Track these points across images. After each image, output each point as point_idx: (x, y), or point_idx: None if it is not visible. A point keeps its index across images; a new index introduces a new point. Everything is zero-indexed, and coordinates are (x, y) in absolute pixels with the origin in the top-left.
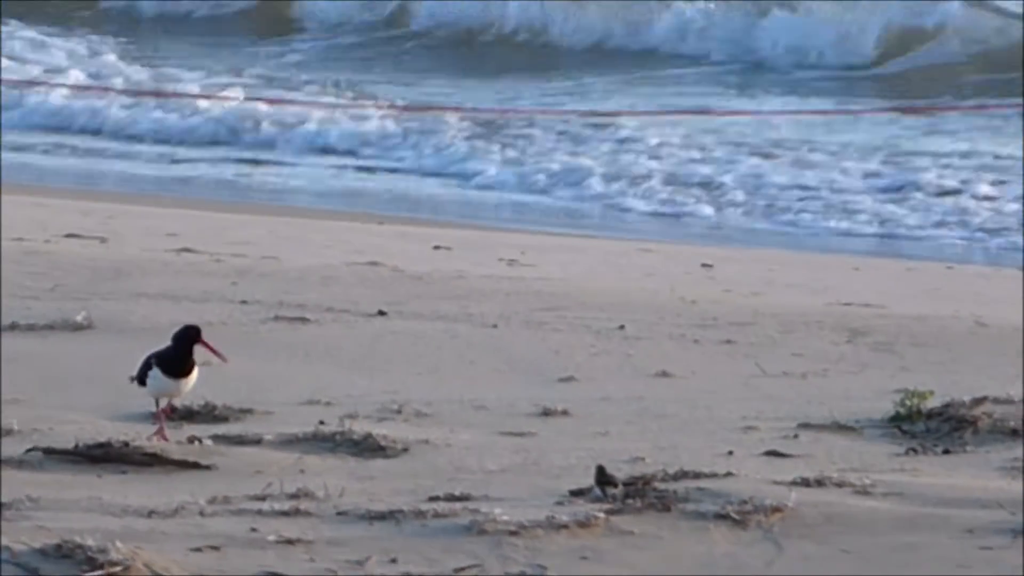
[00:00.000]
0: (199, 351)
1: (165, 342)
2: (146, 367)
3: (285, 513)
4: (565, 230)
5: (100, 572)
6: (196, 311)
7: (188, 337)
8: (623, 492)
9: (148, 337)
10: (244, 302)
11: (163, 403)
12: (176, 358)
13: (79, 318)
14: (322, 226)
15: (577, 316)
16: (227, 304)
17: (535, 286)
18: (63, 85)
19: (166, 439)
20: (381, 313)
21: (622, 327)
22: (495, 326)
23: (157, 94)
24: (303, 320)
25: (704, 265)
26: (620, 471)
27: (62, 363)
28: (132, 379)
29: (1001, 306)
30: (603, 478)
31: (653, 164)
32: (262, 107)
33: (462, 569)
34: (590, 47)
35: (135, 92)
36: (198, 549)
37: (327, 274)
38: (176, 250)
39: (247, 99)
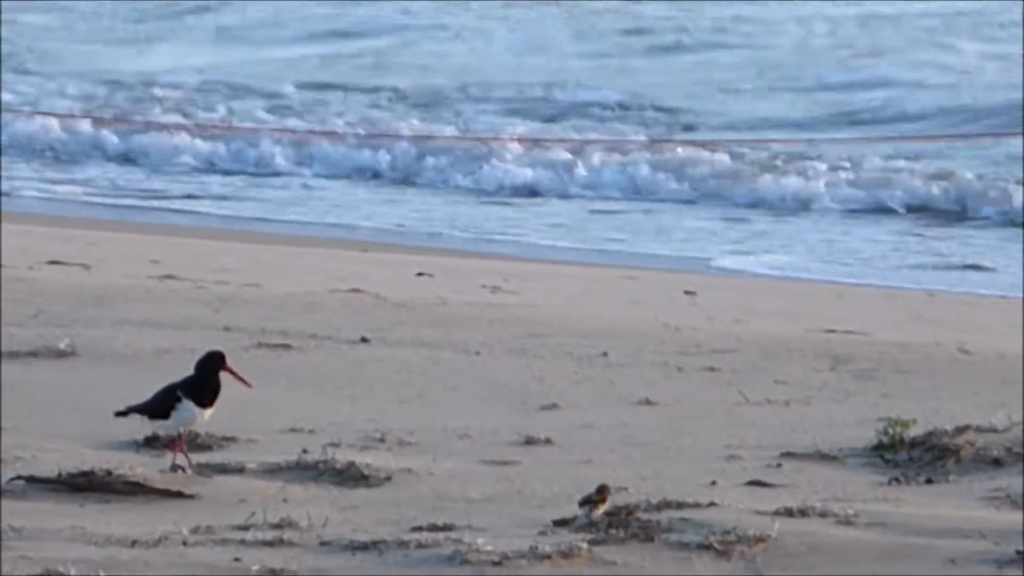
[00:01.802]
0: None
1: (149, 369)
2: (172, 399)
3: (268, 543)
4: (547, 256)
5: None
6: (179, 338)
7: (213, 364)
8: (606, 521)
9: (131, 364)
10: (227, 329)
11: (178, 431)
12: (206, 387)
13: (62, 345)
14: (304, 253)
15: (560, 343)
16: (210, 331)
17: (518, 313)
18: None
19: (184, 469)
20: (364, 340)
21: (605, 354)
22: (478, 353)
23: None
24: (286, 347)
25: (687, 292)
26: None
27: (45, 390)
28: (128, 412)
29: (984, 333)
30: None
31: None
32: None
33: None
34: None
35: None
36: None
37: (309, 301)
38: (159, 277)
39: None
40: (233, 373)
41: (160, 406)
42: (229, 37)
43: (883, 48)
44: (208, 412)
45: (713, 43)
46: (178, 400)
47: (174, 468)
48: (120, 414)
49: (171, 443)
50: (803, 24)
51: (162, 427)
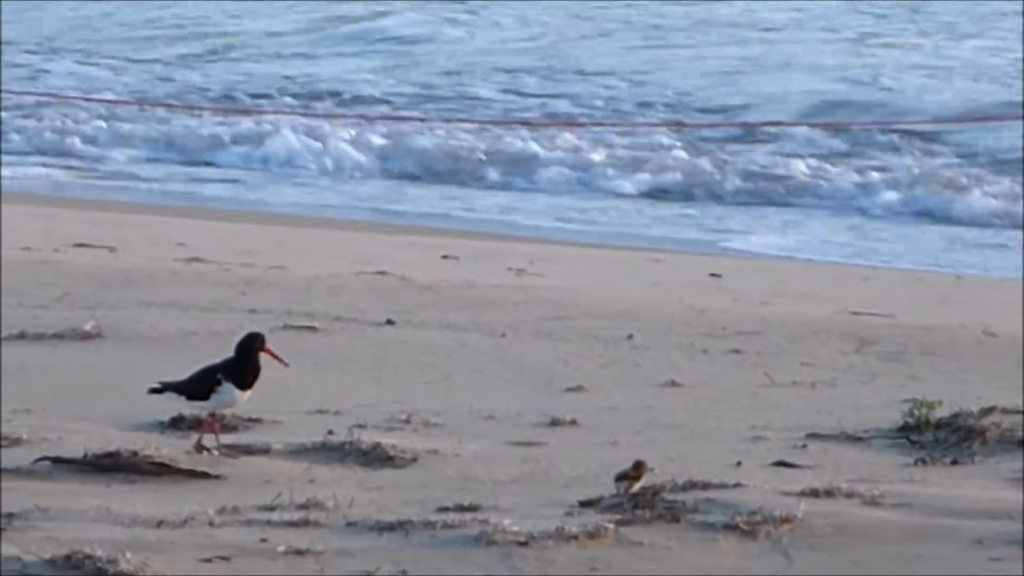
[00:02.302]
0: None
1: (174, 351)
2: (212, 381)
3: (294, 523)
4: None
5: None
6: (205, 320)
7: (253, 346)
8: (632, 502)
9: (157, 346)
10: (253, 311)
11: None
12: (247, 370)
13: (88, 327)
14: (329, 236)
15: (586, 326)
16: (236, 313)
17: (544, 295)
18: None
19: (209, 450)
20: (390, 322)
21: (631, 336)
22: (504, 336)
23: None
24: (312, 329)
25: (713, 275)
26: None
27: (71, 372)
28: (163, 389)
29: (1009, 316)
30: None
31: None
32: None
33: None
34: None
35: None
36: (208, 560)
37: (335, 283)
38: (185, 259)
39: None
40: (272, 354)
41: (200, 387)
42: None
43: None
44: (247, 395)
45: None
46: (218, 383)
47: (199, 448)
48: (155, 391)
49: (199, 423)
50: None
51: (200, 408)
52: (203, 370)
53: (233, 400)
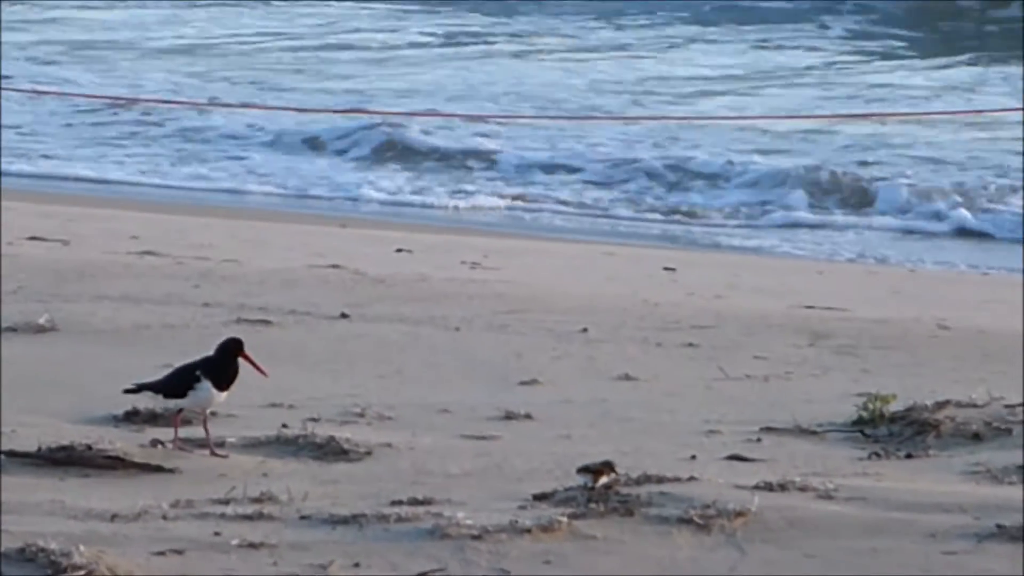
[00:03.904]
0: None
1: (128, 344)
2: (191, 379)
3: (248, 517)
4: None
5: None
6: (158, 313)
7: (231, 349)
8: (586, 496)
9: (111, 339)
10: (206, 304)
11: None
12: (226, 370)
13: (42, 320)
14: (283, 229)
15: (540, 319)
16: (189, 306)
17: (498, 289)
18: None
19: (164, 443)
20: (343, 316)
21: (585, 330)
22: (458, 329)
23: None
24: (265, 323)
25: (667, 268)
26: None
27: (25, 366)
28: (138, 389)
29: (963, 309)
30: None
31: None
32: None
33: (425, 573)
34: None
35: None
36: (161, 553)
37: (289, 277)
38: (138, 253)
39: None
40: (251, 361)
41: (178, 385)
42: None
43: None
44: (224, 395)
45: None
46: (197, 380)
47: (154, 443)
48: (130, 391)
49: (154, 417)
50: None
51: (176, 406)
52: (181, 368)
53: (210, 399)
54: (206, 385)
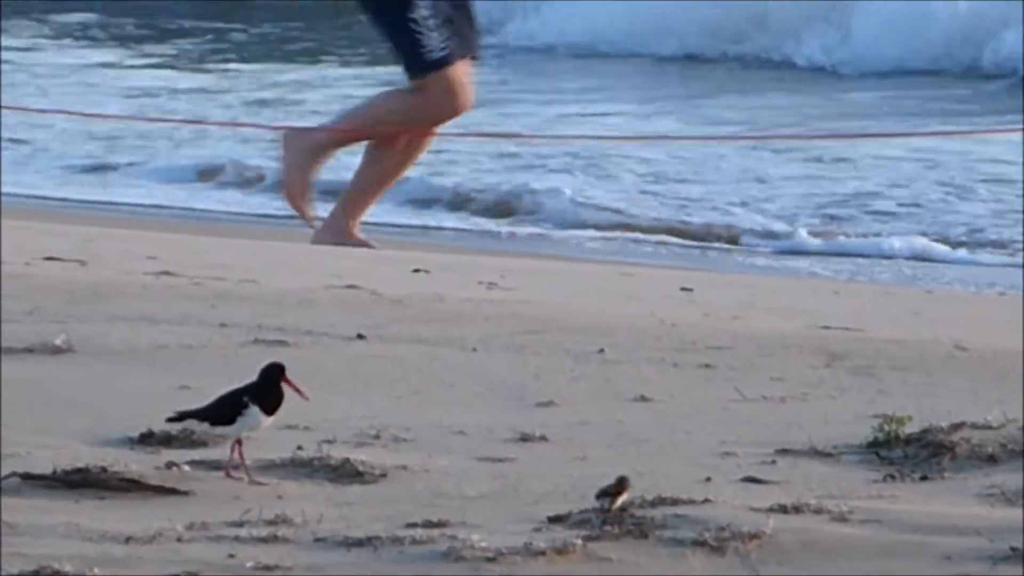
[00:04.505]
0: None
1: (145, 365)
2: (239, 405)
3: (263, 540)
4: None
5: None
6: (175, 334)
7: (274, 374)
8: (601, 518)
9: (127, 360)
10: (223, 325)
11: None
12: (272, 395)
13: (58, 341)
14: (300, 249)
15: (557, 340)
16: (206, 327)
17: (515, 309)
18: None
19: (241, 478)
20: (360, 337)
21: (601, 351)
22: (474, 350)
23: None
24: (282, 343)
25: (684, 289)
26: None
27: (40, 387)
28: (183, 418)
29: (981, 330)
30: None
31: None
32: None
33: None
34: None
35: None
36: (176, 575)
37: (306, 297)
38: (155, 273)
39: None
40: (292, 385)
41: (226, 412)
42: None
43: None
44: (271, 420)
45: None
46: (245, 406)
47: (169, 465)
48: (173, 420)
49: (168, 440)
50: None
51: (225, 433)
52: (228, 394)
53: (257, 424)
54: (254, 411)
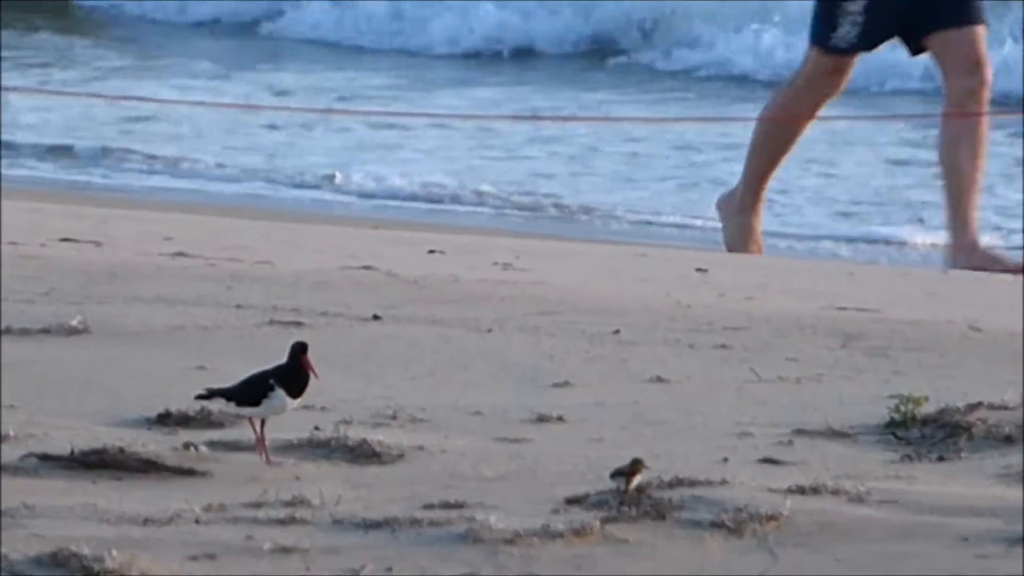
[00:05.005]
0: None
1: (161, 346)
2: (265, 387)
3: (281, 521)
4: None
5: None
6: (191, 315)
7: (297, 353)
8: (619, 499)
9: (143, 341)
10: (239, 306)
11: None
12: (298, 377)
13: (74, 322)
14: (315, 231)
15: (572, 321)
16: (222, 308)
17: (530, 291)
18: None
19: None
20: (375, 318)
21: (617, 332)
22: (490, 331)
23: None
24: (297, 324)
25: (699, 269)
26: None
27: (57, 368)
28: (211, 396)
29: (996, 311)
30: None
31: None
32: None
33: None
34: None
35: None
36: (194, 557)
37: (321, 279)
38: (171, 254)
39: None
40: (306, 362)
41: (252, 393)
42: None
43: None
44: (297, 402)
45: None
46: (271, 389)
47: (186, 446)
48: (201, 397)
49: (186, 420)
50: None
51: (249, 414)
52: (254, 376)
53: (283, 407)
54: (280, 393)
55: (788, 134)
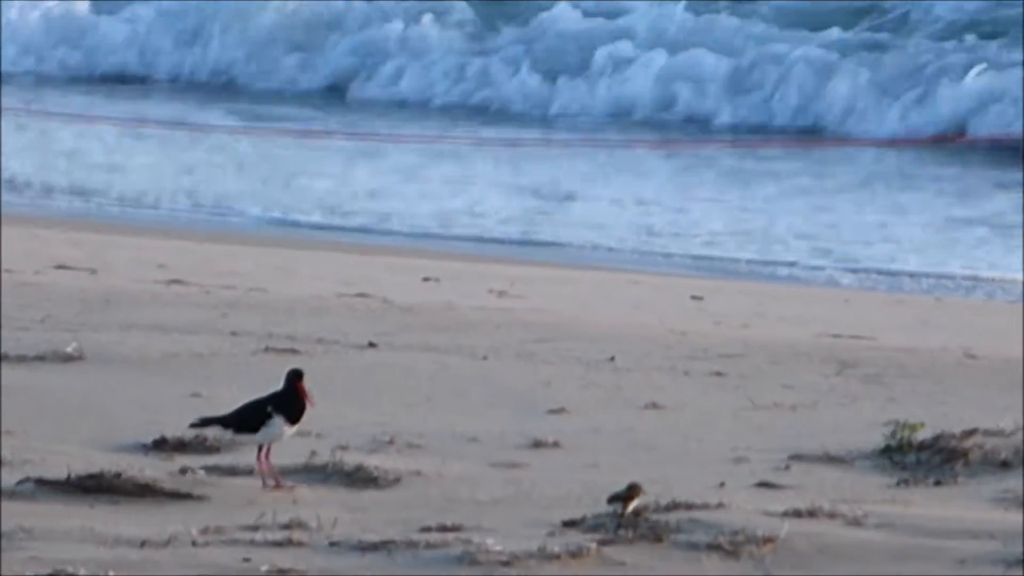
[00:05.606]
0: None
1: (156, 373)
2: (262, 414)
3: (278, 543)
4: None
5: None
6: (186, 342)
7: (293, 380)
8: (616, 522)
9: (138, 368)
10: (234, 333)
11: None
12: (295, 404)
13: (70, 349)
14: (310, 257)
15: (567, 348)
16: (217, 335)
17: (525, 317)
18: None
19: (280, 485)
20: (371, 345)
21: (612, 359)
22: (485, 358)
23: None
24: (293, 351)
25: (694, 297)
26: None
27: (53, 394)
28: (206, 424)
29: (990, 338)
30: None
31: None
32: None
33: None
34: None
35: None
36: None
37: (316, 305)
38: (165, 281)
39: None
40: (303, 390)
41: (249, 420)
42: None
43: None
44: (294, 429)
45: None
46: (269, 416)
47: (183, 471)
48: (195, 425)
49: (182, 445)
50: None
51: (247, 441)
52: (252, 403)
53: (281, 434)
54: (278, 420)
55: None
